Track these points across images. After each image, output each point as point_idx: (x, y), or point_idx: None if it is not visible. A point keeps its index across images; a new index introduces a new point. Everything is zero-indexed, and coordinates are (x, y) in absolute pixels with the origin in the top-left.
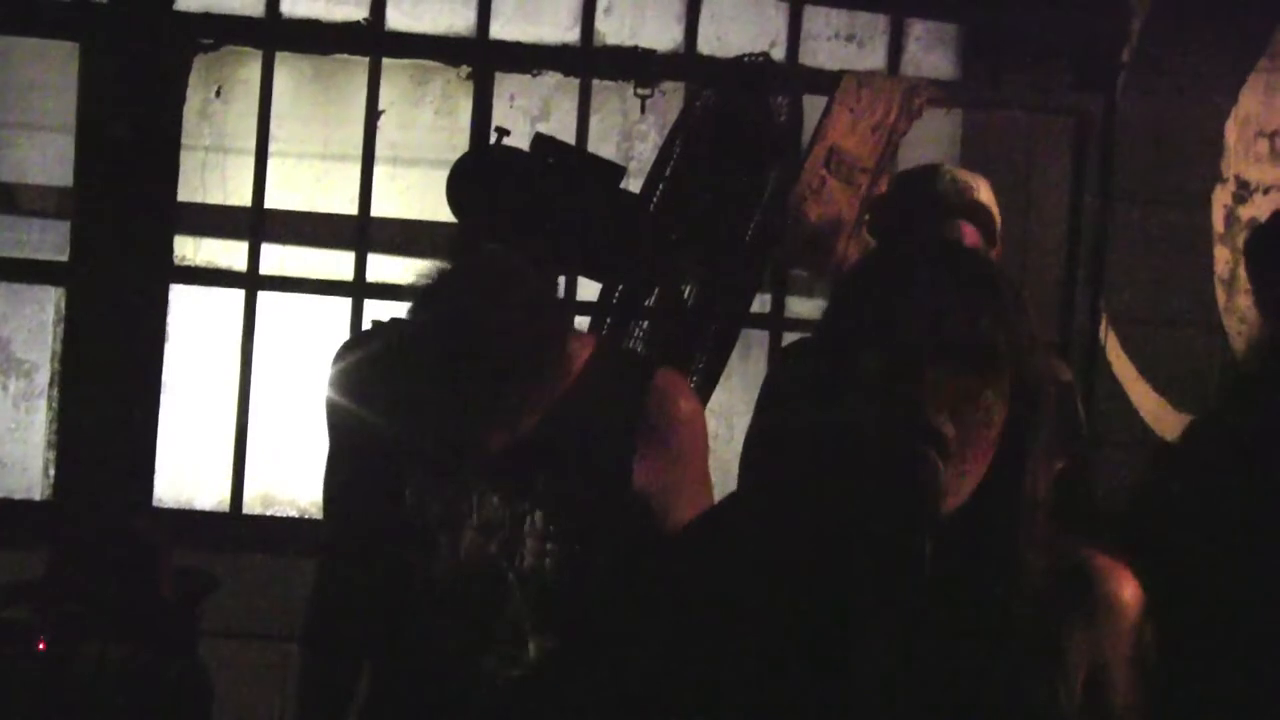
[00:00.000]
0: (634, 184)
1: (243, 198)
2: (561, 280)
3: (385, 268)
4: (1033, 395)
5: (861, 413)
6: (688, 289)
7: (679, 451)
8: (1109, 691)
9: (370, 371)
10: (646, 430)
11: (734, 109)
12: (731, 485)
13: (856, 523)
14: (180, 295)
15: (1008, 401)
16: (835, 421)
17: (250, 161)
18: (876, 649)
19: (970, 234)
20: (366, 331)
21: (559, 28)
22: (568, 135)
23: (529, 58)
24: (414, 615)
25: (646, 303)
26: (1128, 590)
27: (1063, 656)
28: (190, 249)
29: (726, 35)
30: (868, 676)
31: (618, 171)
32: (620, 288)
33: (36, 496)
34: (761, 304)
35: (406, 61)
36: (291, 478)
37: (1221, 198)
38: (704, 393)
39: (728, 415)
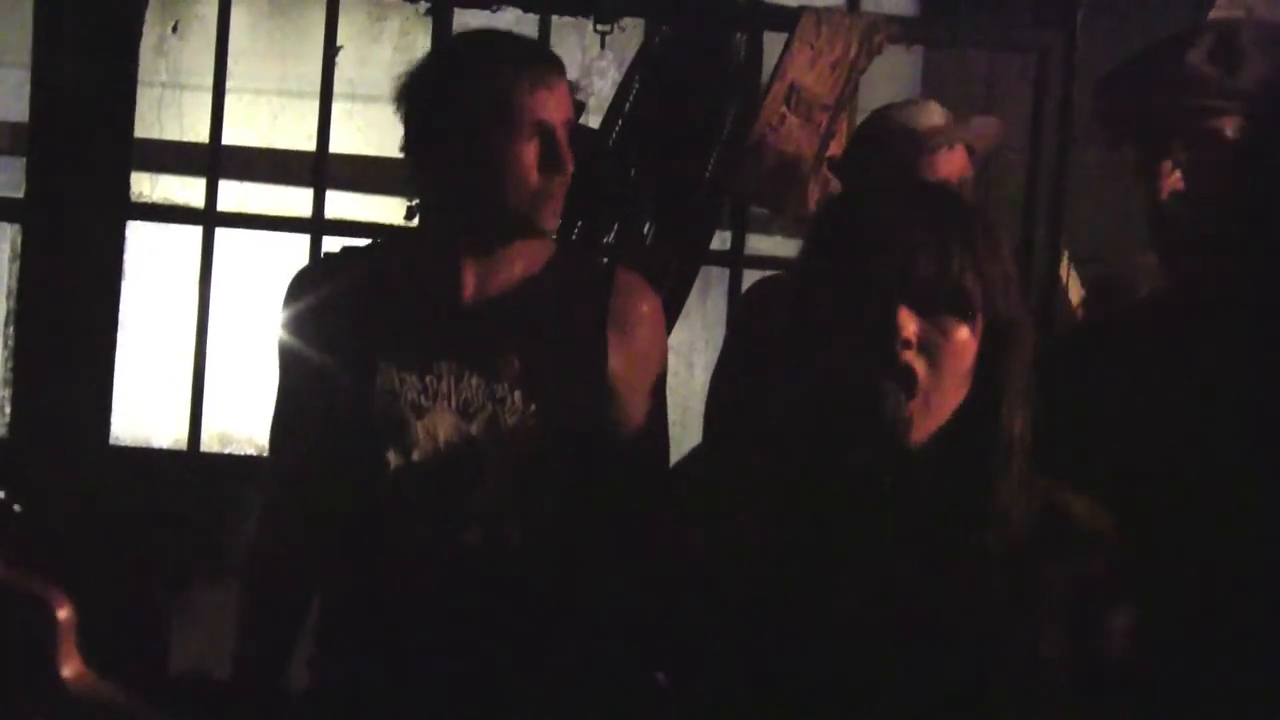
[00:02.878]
0: (593, 120)
1: (200, 134)
2: None
3: (343, 204)
4: (1007, 335)
5: (832, 351)
6: (647, 226)
7: (645, 347)
8: (1094, 634)
9: (340, 280)
10: (615, 326)
11: (694, 46)
12: (692, 422)
13: (826, 460)
14: (137, 232)
15: (979, 339)
16: (806, 360)
17: (207, 98)
18: (851, 590)
19: (957, 164)
20: (325, 257)
21: None
22: None
23: None
24: (388, 507)
25: (605, 239)
26: (1105, 528)
27: (1043, 599)
28: (147, 185)
29: None
30: (844, 617)
31: (577, 107)
32: (579, 224)
33: None
34: (721, 241)
35: None
36: (250, 416)
37: None
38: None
39: (687, 353)
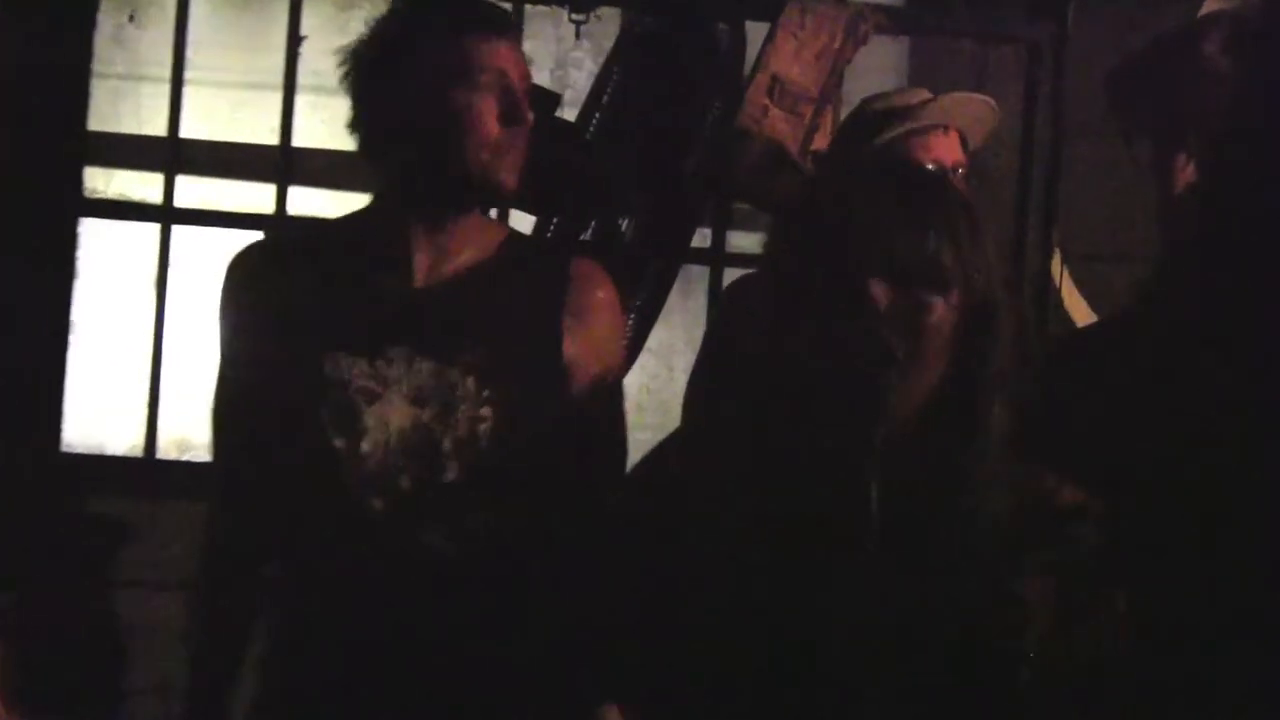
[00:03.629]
0: (569, 113)
1: (158, 127)
2: (493, 214)
3: (307, 200)
4: (985, 315)
5: (812, 332)
6: (625, 223)
7: (601, 336)
8: (1081, 636)
9: (284, 260)
10: (571, 312)
11: (673, 35)
12: (672, 425)
13: (809, 445)
14: (91, 229)
15: (956, 318)
16: (786, 343)
17: (165, 89)
18: (829, 582)
19: (951, 150)
20: (269, 237)
21: None
22: None
23: None
24: (339, 499)
25: (582, 237)
26: (1092, 512)
27: (1019, 589)
28: (102, 181)
29: None
30: (822, 611)
31: (553, 100)
32: (555, 221)
33: None
34: (702, 238)
35: None
36: (209, 421)
37: None
38: (643, 331)
39: (667, 354)
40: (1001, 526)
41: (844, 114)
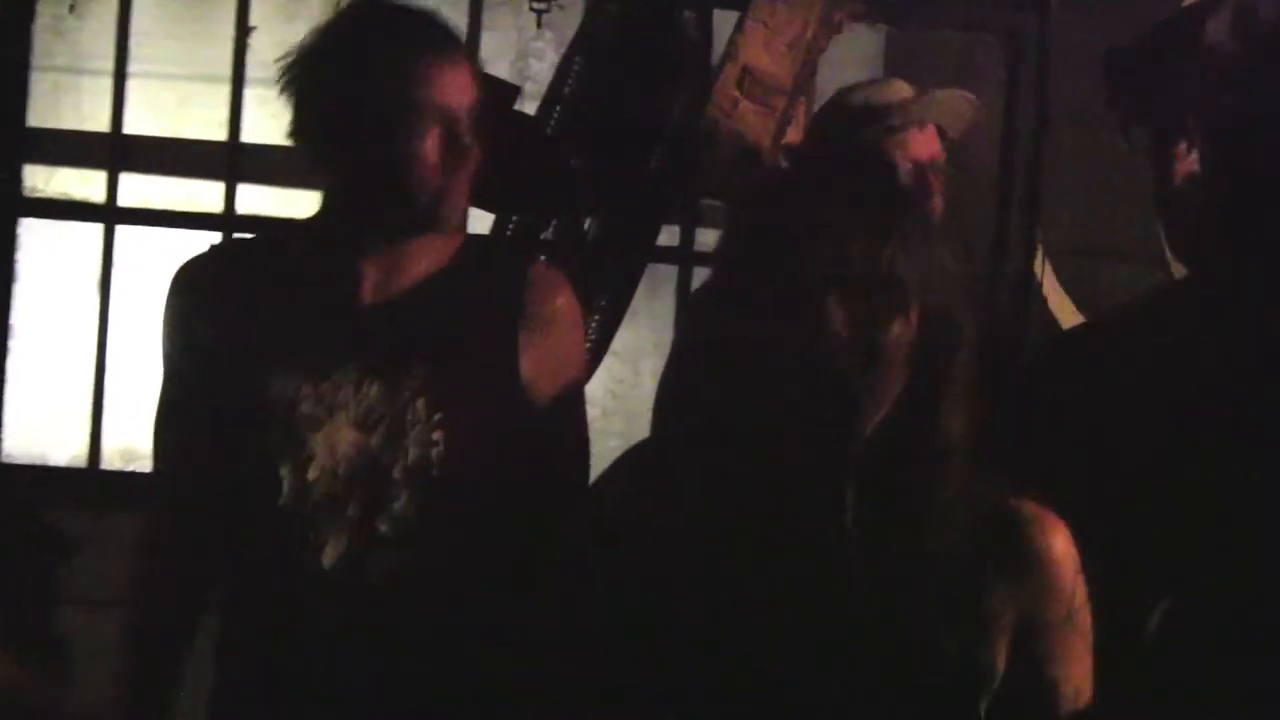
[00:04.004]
0: (529, 106)
1: (100, 123)
2: None
3: (257, 199)
4: (944, 326)
5: (767, 341)
6: (588, 221)
7: (561, 349)
8: (1037, 655)
9: (228, 277)
10: (528, 324)
11: (638, 24)
12: (638, 434)
13: (780, 451)
14: (31, 230)
15: (914, 330)
16: (742, 352)
17: (108, 83)
18: (783, 604)
19: (928, 145)
20: (211, 250)
21: None
22: None
23: None
24: (284, 529)
25: (543, 235)
26: (1059, 542)
27: (983, 614)
28: (42, 179)
29: None
30: (777, 632)
31: (512, 92)
32: (514, 219)
33: None
34: (669, 237)
35: None
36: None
37: None
38: (607, 333)
39: (634, 358)
40: (961, 548)
41: (818, 106)
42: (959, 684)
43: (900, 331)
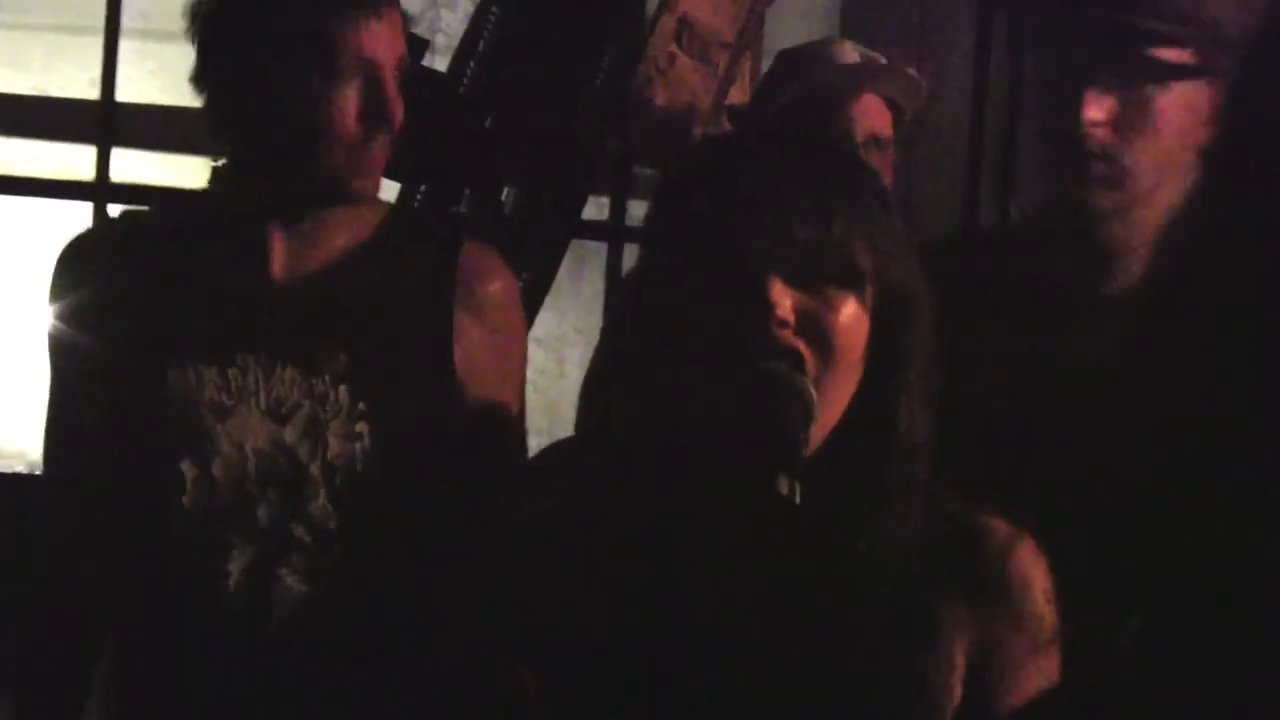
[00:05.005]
0: (440, 62)
1: None
2: None
3: (134, 165)
4: (903, 312)
5: (700, 334)
6: (506, 191)
7: (499, 335)
8: (999, 685)
9: (122, 253)
10: (464, 307)
11: None
12: (561, 432)
13: (710, 462)
14: None
15: (870, 317)
16: (671, 345)
17: None
18: (716, 621)
19: (879, 117)
20: (103, 224)
21: None
22: None
23: None
24: (185, 533)
25: (455, 207)
26: (1027, 563)
27: (936, 637)
28: None
29: None
30: (707, 655)
31: (420, 45)
32: (422, 189)
33: None
34: (597, 209)
35: None
36: (21, 425)
37: None
38: (527, 317)
39: (557, 345)
40: (912, 558)
41: (766, 65)
42: (909, 714)
43: (856, 314)
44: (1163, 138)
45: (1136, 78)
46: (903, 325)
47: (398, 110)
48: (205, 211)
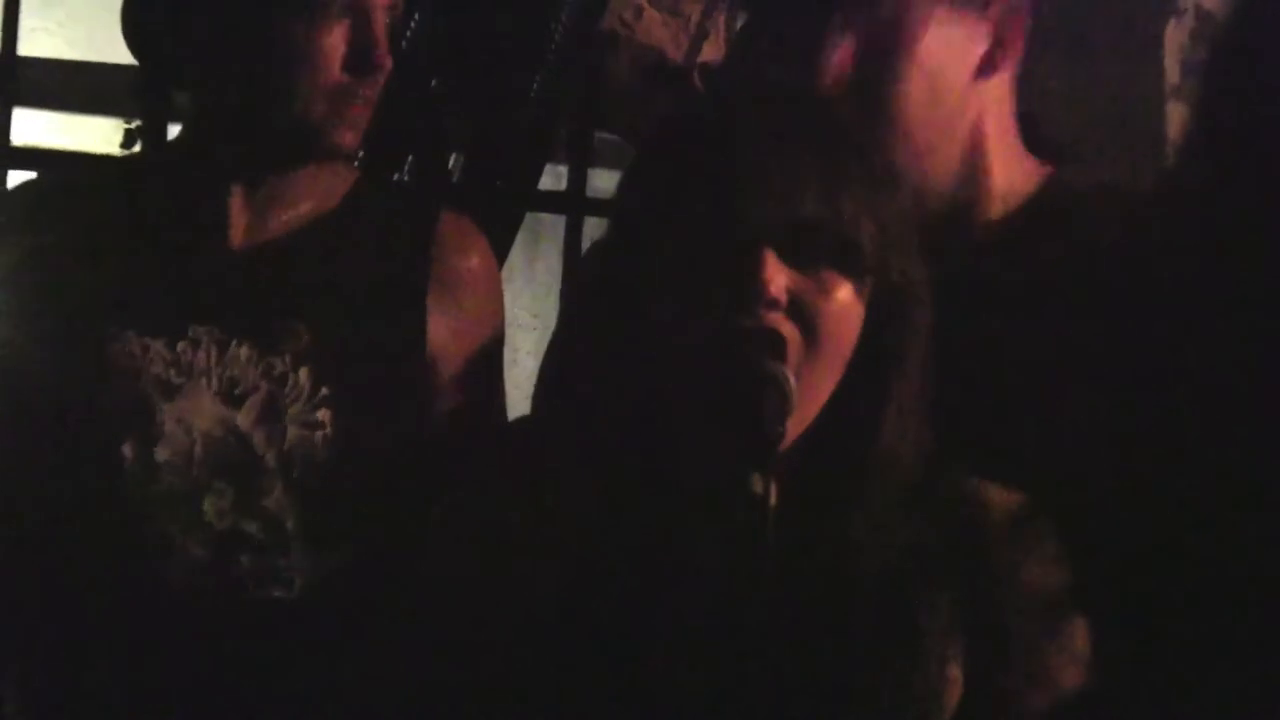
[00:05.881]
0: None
1: None
2: None
3: (35, 126)
4: (900, 308)
5: (678, 318)
6: (453, 158)
7: (477, 315)
8: (1006, 667)
9: (55, 215)
10: (439, 284)
11: None
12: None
13: (678, 457)
14: None
15: (865, 307)
16: (644, 330)
17: None
18: (693, 643)
19: None
20: (32, 183)
21: None
22: None
23: None
24: (123, 524)
25: (397, 176)
26: (1034, 540)
27: (924, 638)
28: None
29: None
30: (684, 680)
31: None
32: (361, 153)
33: None
34: (555, 179)
35: None
36: None
37: (1177, 36)
38: None
39: (509, 331)
40: (892, 560)
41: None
42: (906, 708)
43: (851, 302)
44: None
45: None
46: (900, 322)
47: (387, 57)
48: (155, 170)
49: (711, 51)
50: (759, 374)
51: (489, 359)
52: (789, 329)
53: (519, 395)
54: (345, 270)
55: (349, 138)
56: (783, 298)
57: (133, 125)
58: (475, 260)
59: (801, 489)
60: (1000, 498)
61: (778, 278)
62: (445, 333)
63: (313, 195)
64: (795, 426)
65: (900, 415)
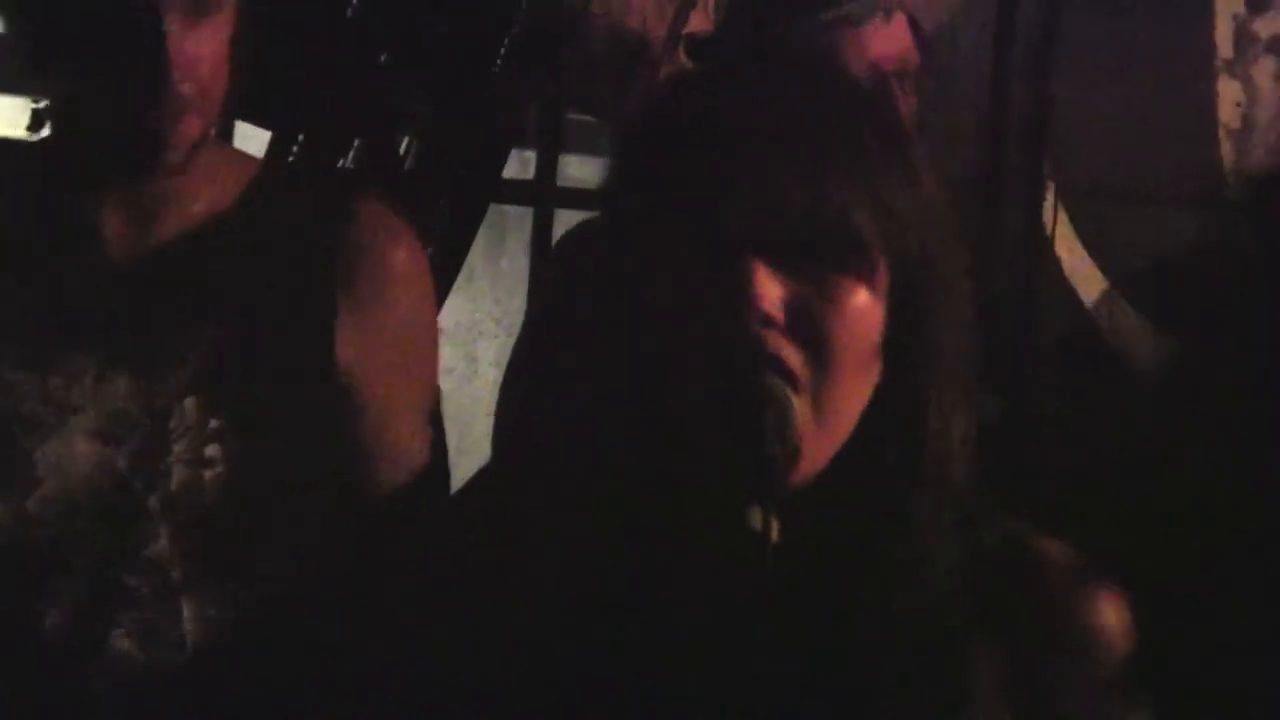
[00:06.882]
0: None
1: None
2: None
3: None
4: (924, 291)
5: (662, 333)
6: (405, 142)
7: (401, 322)
8: None
9: None
10: (350, 289)
11: None
12: (474, 445)
13: (665, 490)
14: None
15: (885, 305)
16: (625, 347)
17: None
18: (704, 688)
19: (895, 43)
20: None
21: None
22: None
23: None
24: None
25: (341, 161)
26: (1100, 598)
27: (973, 697)
28: None
29: None
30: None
31: None
32: (300, 138)
33: None
34: (522, 166)
35: None
36: None
37: (1230, 4)
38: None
39: (469, 338)
40: (947, 590)
41: None
42: None
43: (866, 305)
44: None
45: None
46: (926, 307)
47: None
48: (24, 169)
49: (699, 21)
50: (753, 393)
51: (417, 370)
52: (790, 350)
53: (482, 411)
54: (241, 280)
55: (200, 99)
56: (779, 314)
57: (40, 105)
58: (397, 254)
59: (839, 515)
60: (1059, 553)
61: (770, 291)
62: (359, 343)
63: (204, 191)
64: (824, 450)
65: (942, 413)
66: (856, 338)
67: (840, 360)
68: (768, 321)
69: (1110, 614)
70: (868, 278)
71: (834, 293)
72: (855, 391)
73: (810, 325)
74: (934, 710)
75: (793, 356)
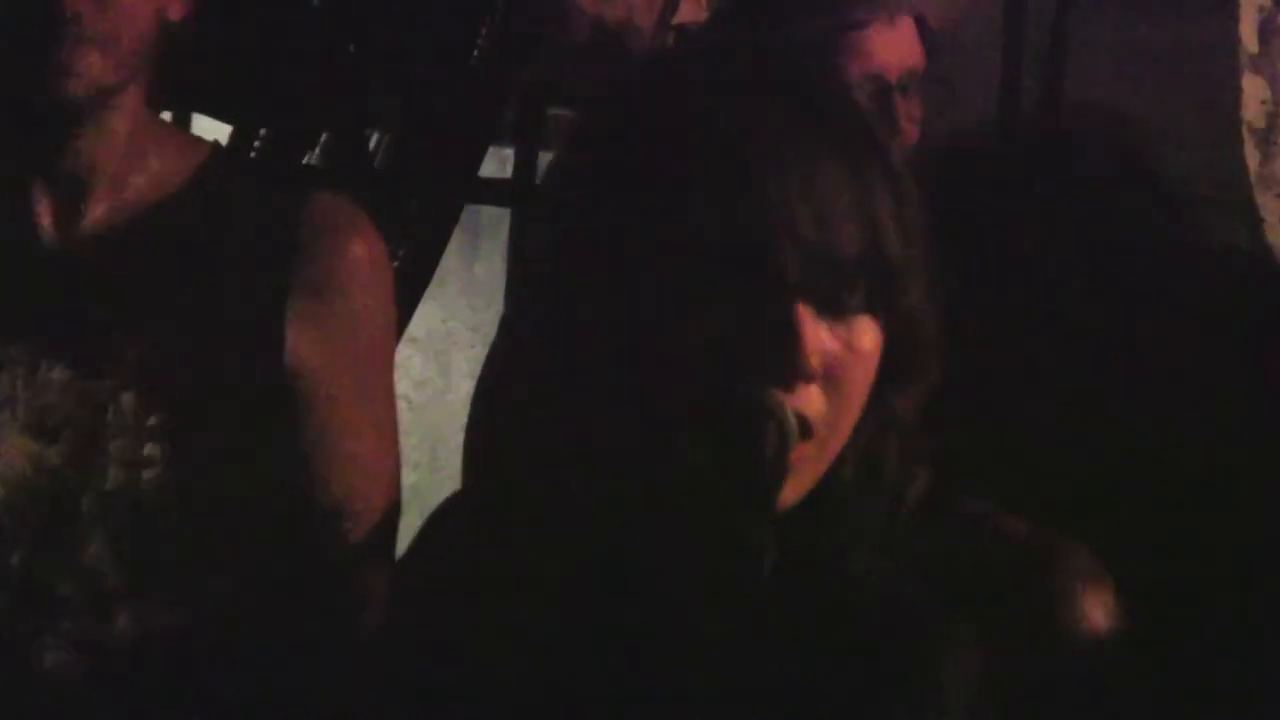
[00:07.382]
0: None
1: None
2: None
3: None
4: (910, 337)
5: (649, 334)
6: (375, 136)
7: (355, 320)
8: None
9: None
10: (302, 282)
11: None
12: (447, 462)
13: (654, 509)
14: None
15: (881, 334)
16: (608, 352)
17: None
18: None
19: (900, 48)
20: None
21: None
22: None
23: None
24: None
25: (306, 158)
26: (1092, 608)
27: (939, 686)
28: None
29: None
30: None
31: None
32: (263, 131)
33: None
34: (500, 164)
35: None
36: None
37: None
38: (403, 308)
39: (442, 347)
40: (910, 588)
41: None
42: None
43: (876, 346)
44: None
45: None
46: (909, 351)
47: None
48: None
49: (690, 11)
50: (755, 409)
51: (372, 374)
52: (818, 403)
53: (454, 425)
54: (185, 270)
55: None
56: (820, 369)
57: None
58: (354, 249)
59: (820, 517)
60: (1022, 528)
61: (818, 345)
62: (311, 344)
63: (150, 172)
64: (817, 467)
65: (906, 450)
66: (867, 376)
67: (851, 400)
68: (811, 377)
69: (1081, 589)
70: (878, 316)
71: (858, 339)
72: (851, 417)
73: (833, 372)
74: (909, 697)
75: (817, 411)
